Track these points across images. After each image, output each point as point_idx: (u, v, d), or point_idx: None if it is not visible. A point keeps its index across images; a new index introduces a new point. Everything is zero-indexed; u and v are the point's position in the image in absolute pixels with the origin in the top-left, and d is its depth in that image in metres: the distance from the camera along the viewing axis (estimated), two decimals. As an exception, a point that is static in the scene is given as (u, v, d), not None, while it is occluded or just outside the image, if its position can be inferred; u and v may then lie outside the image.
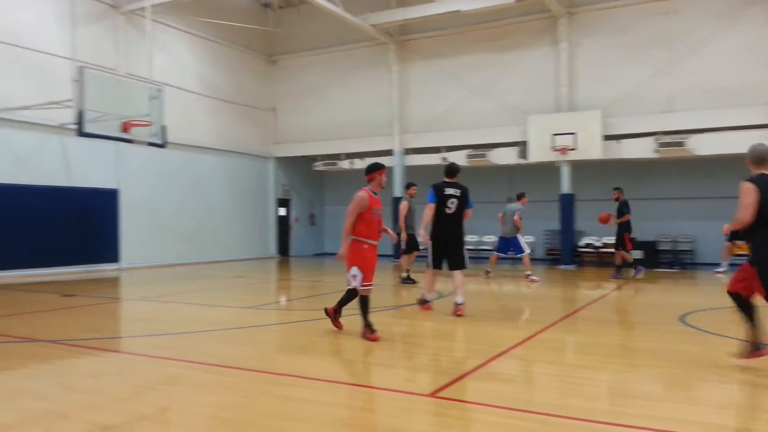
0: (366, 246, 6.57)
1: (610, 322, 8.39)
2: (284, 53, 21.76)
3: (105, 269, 15.72)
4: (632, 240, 13.71)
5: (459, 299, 7.96)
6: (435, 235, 8.07)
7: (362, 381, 5.12)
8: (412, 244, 11.82)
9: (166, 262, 17.35)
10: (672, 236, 17.36)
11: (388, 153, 19.76)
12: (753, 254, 4.98)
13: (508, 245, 13.33)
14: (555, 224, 18.03)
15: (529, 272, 13.00)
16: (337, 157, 20.78)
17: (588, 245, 17.81)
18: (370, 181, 6.72)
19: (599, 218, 13.41)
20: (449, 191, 8.03)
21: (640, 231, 17.21)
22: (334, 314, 6.90)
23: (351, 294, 6.71)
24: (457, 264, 8.09)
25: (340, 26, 18.79)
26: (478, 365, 5.30)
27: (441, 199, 8.00)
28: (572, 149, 16.50)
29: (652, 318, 8.26)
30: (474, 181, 19.11)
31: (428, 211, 8.03)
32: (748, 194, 4.79)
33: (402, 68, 19.74)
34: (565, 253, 17.27)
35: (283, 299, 11.21)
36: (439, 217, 8.00)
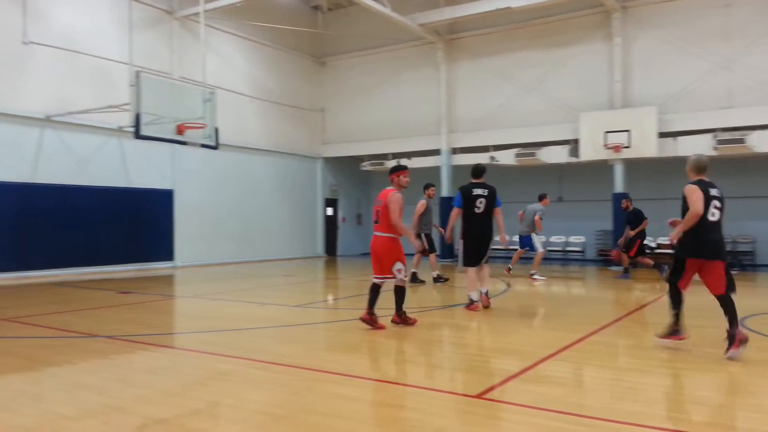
0: (400, 243, 7.05)
1: (664, 325, 8.12)
2: (333, 54, 21.97)
3: (160, 267, 16.22)
4: (643, 247, 13.44)
5: (484, 289, 8.45)
6: (467, 234, 8.33)
7: (408, 380, 5.11)
8: (430, 244, 11.93)
9: (218, 261, 17.77)
10: (731, 237, 16.70)
11: (435, 153, 19.71)
12: (680, 244, 5.85)
13: (524, 243, 13.38)
14: (607, 224, 17.60)
15: (534, 272, 13.02)
16: (384, 157, 20.84)
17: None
18: (391, 181, 7.11)
19: (614, 256, 13.78)
20: (477, 191, 8.26)
21: (698, 231, 16.66)
22: (371, 318, 7.00)
23: (376, 292, 7.01)
24: (480, 261, 8.45)
25: (388, 26, 18.85)
26: (526, 367, 5.22)
27: (470, 200, 8.23)
28: (626, 147, 16.08)
29: (710, 321, 7.94)
30: (523, 180, 19.07)
31: (453, 215, 8.44)
32: (695, 191, 5.66)
33: (450, 67, 19.64)
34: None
35: (330, 298, 11.32)
36: (470, 217, 8.26)
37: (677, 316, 6.07)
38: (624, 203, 13.52)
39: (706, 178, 5.90)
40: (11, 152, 13.45)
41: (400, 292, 7.09)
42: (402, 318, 7.10)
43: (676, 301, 6.08)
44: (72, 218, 14.41)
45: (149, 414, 4.05)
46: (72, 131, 14.54)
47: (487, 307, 8.45)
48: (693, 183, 5.83)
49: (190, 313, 9.39)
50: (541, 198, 13.46)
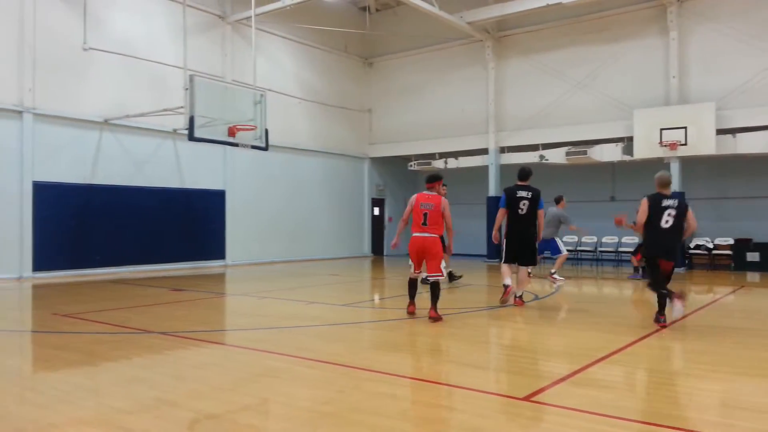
0: None
1: (722, 329, 7.84)
2: (380, 55, 22.04)
3: (212, 266, 16.61)
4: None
5: (519, 292, 8.83)
6: (509, 233, 8.70)
7: (454, 381, 5.09)
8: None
9: (268, 260, 18.08)
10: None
11: (483, 152, 19.53)
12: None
13: (545, 246, 12.98)
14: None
15: (553, 271, 12.78)
16: (431, 156, 20.78)
17: (699, 247, 16.71)
18: (430, 188, 7.82)
19: (615, 221, 13.33)
20: (521, 194, 8.57)
21: (759, 232, 16.00)
22: (437, 313, 7.46)
23: (415, 287, 7.92)
24: (527, 261, 8.74)
25: (436, 25, 18.78)
26: (575, 370, 5.12)
27: (514, 202, 8.55)
28: (682, 144, 15.56)
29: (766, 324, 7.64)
30: (574, 179, 18.70)
31: (499, 215, 8.79)
32: (643, 204, 7.20)
33: (498, 65, 19.42)
34: (673, 255, 16.30)
35: (376, 297, 11.36)
36: (513, 218, 8.62)
37: (662, 306, 7.15)
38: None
39: (667, 192, 7.16)
40: (72, 154, 14.02)
41: (438, 289, 7.56)
42: (438, 313, 7.44)
43: (661, 294, 7.14)
44: (129, 218, 14.91)
45: (201, 409, 4.16)
46: (129, 134, 15.05)
47: (506, 302, 8.82)
48: (647, 197, 7.17)
49: (240, 311, 9.58)
50: (557, 201, 13.06)
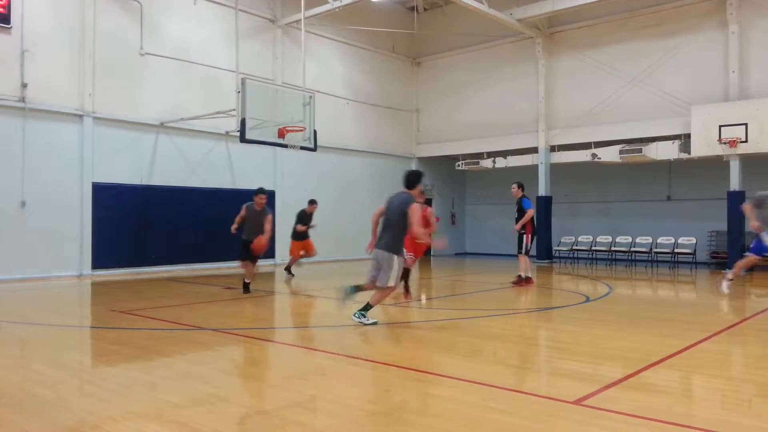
0: None
1: None
2: (428, 54, 21.98)
3: (262, 264, 16.87)
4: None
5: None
6: (533, 232, 11.50)
7: (503, 383, 5.02)
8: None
9: (316, 259, 18.21)
10: None
11: (532, 150, 19.24)
12: None
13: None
14: (721, 224, 16.45)
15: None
16: (479, 156, 20.59)
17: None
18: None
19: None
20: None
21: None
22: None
23: None
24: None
25: (485, 23, 18.61)
26: (629, 374, 4.99)
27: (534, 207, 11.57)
28: (743, 141, 14.94)
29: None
30: (628, 178, 18.21)
31: (530, 213, 11.40)
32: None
33: (549, 62, 19.08)
34: (732, 257, 15.65)
35: (423, 298, 11.32)
36: (534, 219, 11.47)
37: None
38: None
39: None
40: (129, 156, 14.51)
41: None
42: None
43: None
44: (183, 218, 15.33)
45: (251, 405, 4.25)
46: (184, 136, 15.48)
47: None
48: None
49: (290, 309, 9.73)
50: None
